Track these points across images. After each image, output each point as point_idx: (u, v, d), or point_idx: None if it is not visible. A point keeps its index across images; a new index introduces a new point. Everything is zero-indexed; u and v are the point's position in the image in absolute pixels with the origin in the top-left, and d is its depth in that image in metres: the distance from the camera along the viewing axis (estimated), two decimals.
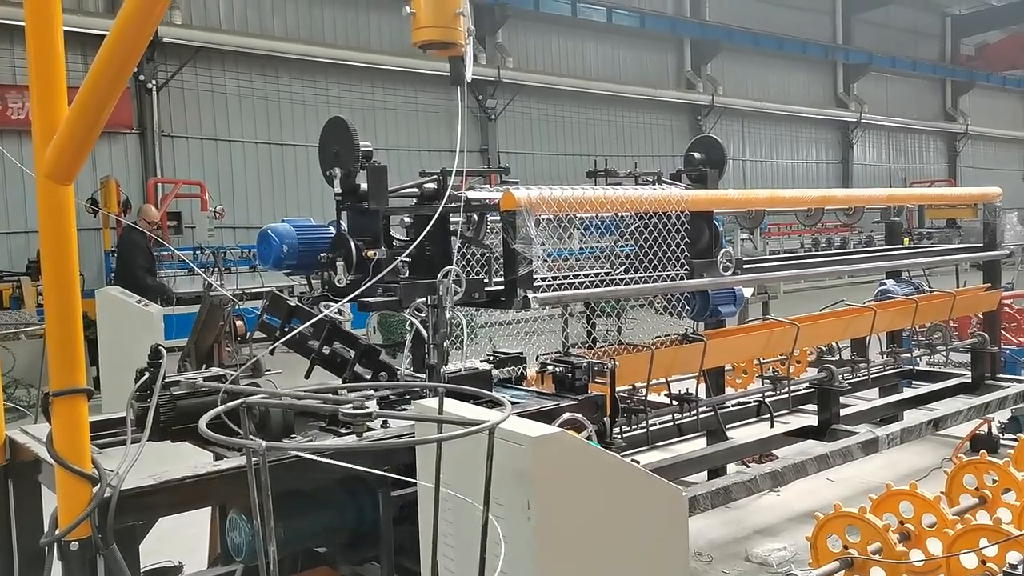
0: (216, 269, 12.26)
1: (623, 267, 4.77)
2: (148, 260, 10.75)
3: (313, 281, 4.37)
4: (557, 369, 3.86)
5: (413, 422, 3.02)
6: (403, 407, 3.59)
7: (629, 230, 4.87)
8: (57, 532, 2.55)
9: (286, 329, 3.93)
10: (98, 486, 2.60)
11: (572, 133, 23.06)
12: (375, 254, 3.90)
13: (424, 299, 3.35)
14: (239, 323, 11.70)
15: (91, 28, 13.93)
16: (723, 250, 5.09)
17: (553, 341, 4.70)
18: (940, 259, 6.56)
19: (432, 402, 2.75)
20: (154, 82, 16.06)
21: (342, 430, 3.44)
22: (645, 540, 2.59)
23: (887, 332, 6.60)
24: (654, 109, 25.21)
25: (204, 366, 9.36)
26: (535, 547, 2.33)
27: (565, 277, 4.32)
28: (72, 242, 2.58)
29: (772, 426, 5.61)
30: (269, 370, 11.76)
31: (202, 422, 2.00)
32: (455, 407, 2.65)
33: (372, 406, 2.00)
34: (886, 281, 7.18)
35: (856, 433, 5.27)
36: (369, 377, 3.82)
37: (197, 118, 16.97)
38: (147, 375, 3.19)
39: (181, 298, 10.82)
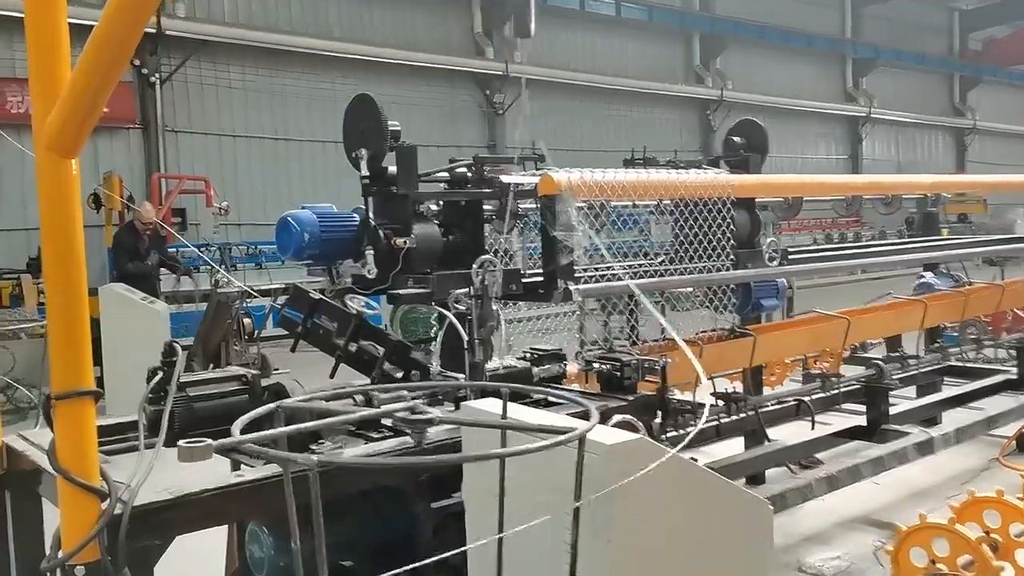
0: (223, 266, 11.95)
1: (662, 258, 4.46)
2: (134, 258, 10.42)
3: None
4: (605, 367, 3.54)
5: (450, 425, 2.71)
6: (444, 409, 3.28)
7: (659, 219, 4.56)
8: (61, 555, 2.24)
9: (308, 324, 3.62)
10: (107, 501, 2.29)
11: (580, 128, 22.72)
12: (405, 242, 3.59)
13: (466, 290, 3.02)
14: (247, 321, 11.45)
15: None
16: (768, 239, 4.78)
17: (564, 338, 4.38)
18: (993, 250, 6.23)
19: (482, 404, 2.45)
20: (157, 76, 15.75)
21: (373, 435, 3.13)
22: (728, 557, 2.28)
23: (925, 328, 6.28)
24: (663, 104, 24.89)
25: (212, 364, 9.06)
26: (611, 569, 2.02)
27: (597, 268, 4.01)
28: (77, 223, 2.26)
29: (813, 427, 5.29)
30: (277, 369, 11.49)
31: (236, 430, 1.68)
32: (510, 411, 2.34)
33: (433, 412, 1.69)
34: (924, 274, 6.87)
35: (909, 434, 4.95)
36: (400, 376, 3.50)
37: (201, 112, 16.67)
38: (160, 375, 2.87)
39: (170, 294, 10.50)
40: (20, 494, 3.14)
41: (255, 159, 17.29)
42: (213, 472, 2.83)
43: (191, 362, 7.24)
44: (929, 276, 6.82)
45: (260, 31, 16.96)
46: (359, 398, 3.12)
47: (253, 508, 2.58)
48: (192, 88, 16.52)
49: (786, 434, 5.31)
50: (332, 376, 3.64)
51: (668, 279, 4.00)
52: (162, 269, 11.05)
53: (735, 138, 5.06)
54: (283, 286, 12.59)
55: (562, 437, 1.50)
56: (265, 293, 12.00)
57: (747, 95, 26.15)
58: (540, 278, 3.84)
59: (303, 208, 3.84)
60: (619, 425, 3.33)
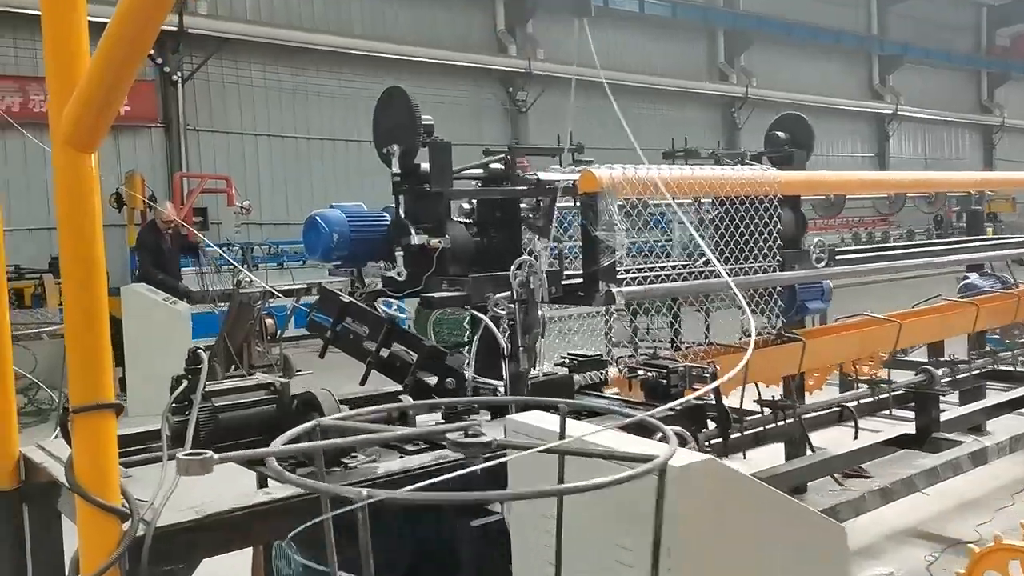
0: (244, 266, 11.83)
1: (703, 259, 4.26)
2: (156, 258, 10.31)
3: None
4: (650, 374, 3.35)
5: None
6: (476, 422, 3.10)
7: (709, 217, 4.36)
8: None
9: (338, 329, 3.45)
10: (128, 522, 2.13)
11: (603, 126, 22.44)
12: (439, 243, 3.42)
13: (507, 294, 2.83)
14: (269, 322, 11.33)
15: None
16: (816, 239, 4.57)
17: (584, 341, 4.20)
18: None
19: (530, 419, 2.26)
20: (179, 74, 15.68)
21: (408, 446, 2.96)
22: None
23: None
24: (686, 102, 24.60)
25: (234, 366, 8.92)
26: None
27: (640, 270, 3.82)
28: (96, 221, 2.10)
29: (856, 435, 5.06)
30: (299, 370, 11.37)
31: (272, 455, 1.51)
32: (549, 422, 2.15)
33: (490, 432, 1.51)
34: (969, 275, 6.63)
35: (961, 442, 4.72)
36: (434, 384, 3.33)
37: (223, 111, 16.59)
38: (185, 383, 2.71)
39: (195, 296, 10.39)
40: (38, 509, 2.98)
41: (277, 158, 17.20)
42: (238, 488, 2.68)
43: (212, 363, 7.09)
44: (974, 277, 6.57)
45: (282, 28, 16.85)
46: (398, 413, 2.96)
47: (284, 528, 2.40)
48: (214, 86, 16.45)
49: (825, 441, 5.09)
50: (363, 383, 3.48)
51: (712, 281, 3.80)
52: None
53: (779, 133, 4.85)
54: (305, 286, 12.55)
55: (642, 468, 1.32)
56: (288, 293, 11.97)
57: (772, 92, 25.79)
58: (579, 280, 3.65)
59: (332, 207, 3.68)
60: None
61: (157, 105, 15.62)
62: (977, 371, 5.62)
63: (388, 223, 3.67)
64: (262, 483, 2.79)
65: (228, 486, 2.79)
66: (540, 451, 1.42)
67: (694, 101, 24.80)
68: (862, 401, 4.83)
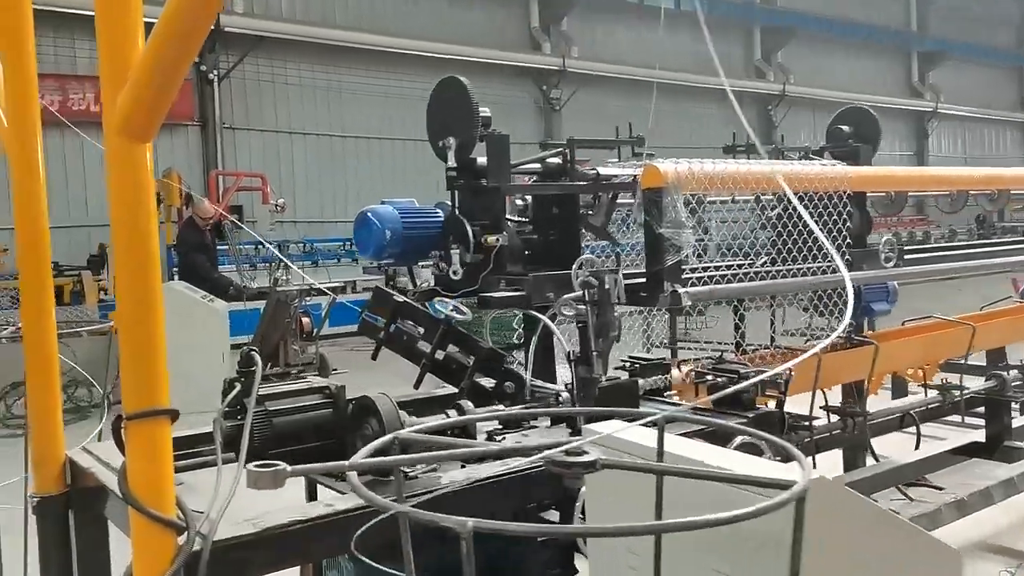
0: (281, 265, 11.78)
1: (763, 259, 4.08)
2: (209, 255, 10.27)
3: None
4: (719, 379, 3.17)
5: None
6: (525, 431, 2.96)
7: (769, 215, 4.17)
8: None
9: (391, 329, 3.31)
10: (184, 536, 2.00)
11: (637, 125, 22.19)
12: (497, 240, 3.26)
13: (576, 294, 2.66)
14: (305, 320, 11.25)
15: None
16: (884, 237, 4.37)
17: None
18: None
19: (608, 429, 2.09)
20: (215, 72, 15.70)
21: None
22: None
23: None
24: (724, 99, 24.25)
25: (269, 365, 8.83)
26: None
27: (705, 269, 3.64)
28: (152, 216, 1.97)
29: (918, 444, 4.84)
30: (335, 369, 11.27)
31: (352, 469, 1.36)
32: (640, 436, 1.99)
33: (592, 452, 1.35)
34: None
35: None
36: (492, 388, 3.18)
37: (259, 109, 16.59)
38: (238, 387, 2.57)
39: (250, 293, 10.32)
40: (85, 515, 2.87)
41: (311, 156, 17.18)
42: (288, 498, 2.55)
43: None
44: None
45: (317, 27, 16.84)
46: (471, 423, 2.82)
47: (343, 542, 2.26)
48: (250, 85, 16.46)
49: (884, 448, 4.87)
50: (417, 386, 3.34)
51: (782, 282, 3.62)
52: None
53: (842, 127, 4.64)
54: (342, 284, 12.46)
55: (780, 498, 1.15)
56: (321, 293, 11.89)
57: (810, 90, 25.44)
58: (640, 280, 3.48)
59: (383, 203, 3.55)
60: (741, 447, 2.98)
61: (193, 103, 15.65)
62: None
63: (441, 220, 3.53)
64: (311, 497, 2.67)
65: (275, 496, 2.67)
66: (655, 473, 1.26)
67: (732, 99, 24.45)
68: (930, 407, 4.61)
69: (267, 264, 13.02)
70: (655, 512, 1.60)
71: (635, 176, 3.81)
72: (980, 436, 4.87)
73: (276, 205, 14.02)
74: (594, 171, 3.64)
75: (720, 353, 3.57)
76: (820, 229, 3.93)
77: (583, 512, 2.59)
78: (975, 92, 31.72)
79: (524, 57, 20.03)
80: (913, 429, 4.62)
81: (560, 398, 3.06)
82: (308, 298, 11.67)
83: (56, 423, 2.82)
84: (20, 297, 2.86)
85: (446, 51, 18.38)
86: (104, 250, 13.11)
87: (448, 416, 2.82)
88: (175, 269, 12.11)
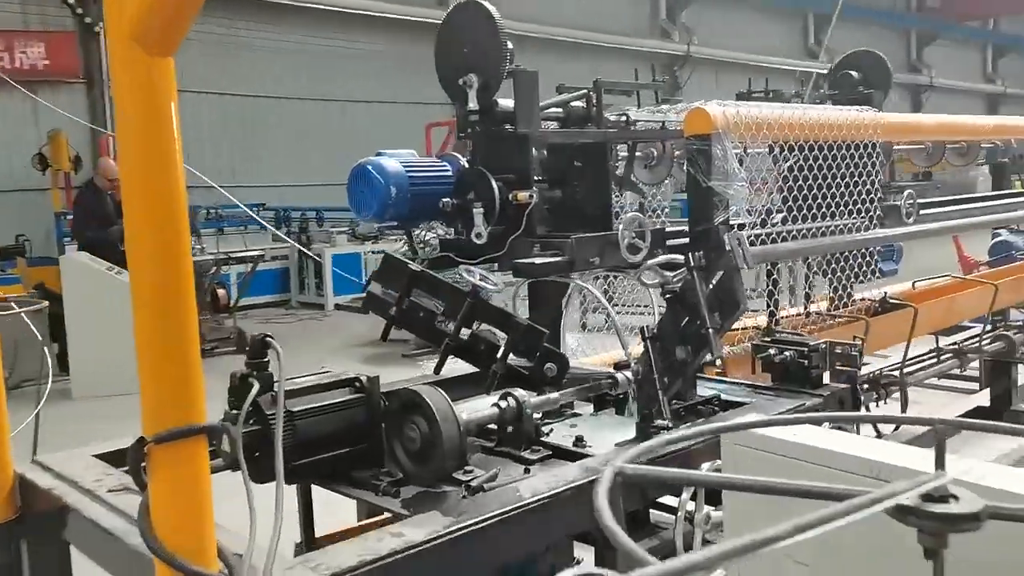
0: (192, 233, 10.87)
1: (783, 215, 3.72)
2: (102, 222, 9.26)
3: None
4: (788, 354, 2.78)
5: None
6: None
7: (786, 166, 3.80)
8: None
9: (404, 305, 2.79)
10: None
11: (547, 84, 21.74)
12: (531, 196, 2.77)
13: (663, 259, 2.19)
14: (221, 292, 10.42)
15: None
16: (906, 191, 4.07)
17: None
18: None
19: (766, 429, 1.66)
20: (102, 25, 14.38)
21: (526, 454, 2.35)
22: None
23: None
24: (625, 60, 24.01)
25: None
26: None
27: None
28: (179, 158, 1.41)
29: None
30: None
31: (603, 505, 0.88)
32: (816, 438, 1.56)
33: (960, 493, 0.91)
34: (1000, 232, 6.27)
35: None
36: (529, 371, 2.70)
37: None
38: (256, 387, 2.02)
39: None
40: (41, 543, 2.30)
41: (214, 117, 16.03)
42: (342, 521, 2.03)
43: None
44: (1005, 234, 6.22)
45: None
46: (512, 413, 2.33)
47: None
48: None
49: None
50: (438, 371, 2.83)
51: (835, 239, 3.25)
52: None
53: (851, 73, 4.31)
54: (260, 253, 11.64)
55: None
56: (242, 260, 11.08)
57: (714, 51, 25.50)
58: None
59: (380, 154, 2.99)
60: None
61: (79, 59, 14.32)
62: None
63: (450, 174, 3.01)
64: (367, 511, 2.16)
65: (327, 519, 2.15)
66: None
67: (635, 59, 24.24)
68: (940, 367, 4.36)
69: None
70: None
71: (663, 123, 3.40)
72: (983, 400, 4.70)
73: None
74: (623, 116, 3.18)
75: (776, 321, 3.18)
76: (852, 183, 3.59)
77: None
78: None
79: (422, 11, 19.15)
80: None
81: (615, 382, 2.62)
82: (224, 269, 10.87)
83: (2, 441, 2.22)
84: None
85: (345, 4, 17.35)
86: None
87: (501, 408, 2.34)
88: (67, 240, 11.06)
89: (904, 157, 5.69)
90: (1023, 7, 34.58)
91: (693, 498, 2.11)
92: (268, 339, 2.09)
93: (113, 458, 2.36)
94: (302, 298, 14.13)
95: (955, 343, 4.31)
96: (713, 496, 2.30)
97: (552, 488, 2.01)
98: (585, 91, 3.15)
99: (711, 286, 2.03)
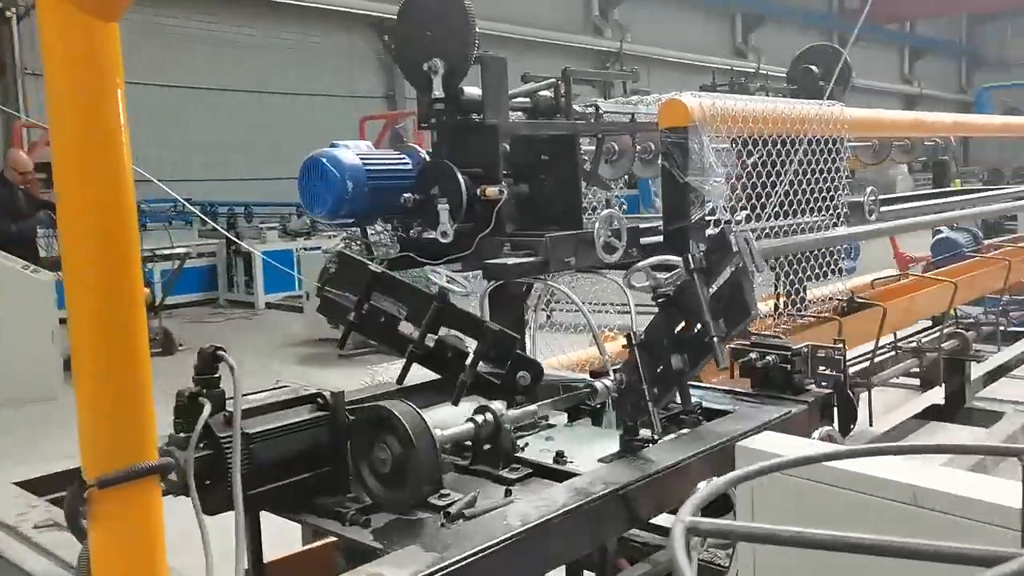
0: None
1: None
2: (15, 217, 8.75)
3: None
4: (769, 359, 2.64)
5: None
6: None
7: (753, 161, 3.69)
8: None
9: (364, 310, 2.56)
10: None
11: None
12: (501, 192, 2.57)
13: (688, 258, 1.98)
14: (145, 290, 9.91)
15: None
16: (868, 188, 4.00)
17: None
18: None
19: (777, 445, 1.51)
20: (13, 10, 13.66)
21: (508, 474, 2.15)
22: None
23: None
24: (556, 56, 23.94)
25: None
26: None
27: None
28: (124, 149, 1.18)
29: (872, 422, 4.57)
30: (182, 345, 10.09)
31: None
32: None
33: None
34: (943, 229, 6.30)
35: (1003, 413, 4.31)
36: (501, 381, 2.50)
37: None
38: (208, 406, 1.77)
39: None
40: None
41: (140, 108, 15.32)
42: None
43: None
44: (947, 231, 6.26)
45: None
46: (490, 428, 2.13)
47: None
48: None
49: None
50: (401, 380, 2.61)
51: (808, 237, 3.14)
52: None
53: (811, 67, 4.22)
54: (187, 250, 11.17)
55: None
56: (167, 257, 10.60)
57: (646, 48, 25.64)
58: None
59: (334, 146, 2.76)
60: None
61: None
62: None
63: (410, 168, 2.79)
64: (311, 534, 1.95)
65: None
66: None
67: (567, 55, 24.19)
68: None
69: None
70: None
71: (632, 115, 3.24)
72: (937, 397, 4.68)
73: None
74: (593, 107, 3.01)
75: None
76: (821, 179, 3.49)
77: None
78: (792, 53, 33.15)
79: (361, 4, 18.78)
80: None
81: (594, 390, 2.44)
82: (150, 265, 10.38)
83: None
84: None
85: None
86: None
87: (478, 423, 2.13)
88: None
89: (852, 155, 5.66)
90: (939, 10, 35.81)
91: None
92: (220, 352, 1.85)
93: (38, 486, 2.09)
94: (231, 296, 13.64)
95: (913, 342, 4.26)
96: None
97: (543, 515, 1.82)
98: (554, 80, 2.97)
99: (714, 289, 1.86)
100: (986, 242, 6.22)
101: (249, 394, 2.01)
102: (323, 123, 16.40)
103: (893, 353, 4.45)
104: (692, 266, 1.87)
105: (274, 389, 2.09)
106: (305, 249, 12.50)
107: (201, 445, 1.83)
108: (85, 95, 1.12)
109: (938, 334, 4.22)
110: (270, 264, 12.72)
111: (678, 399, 2.32)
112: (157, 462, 1.21)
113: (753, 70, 30.70)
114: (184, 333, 10.19)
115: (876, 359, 4.10)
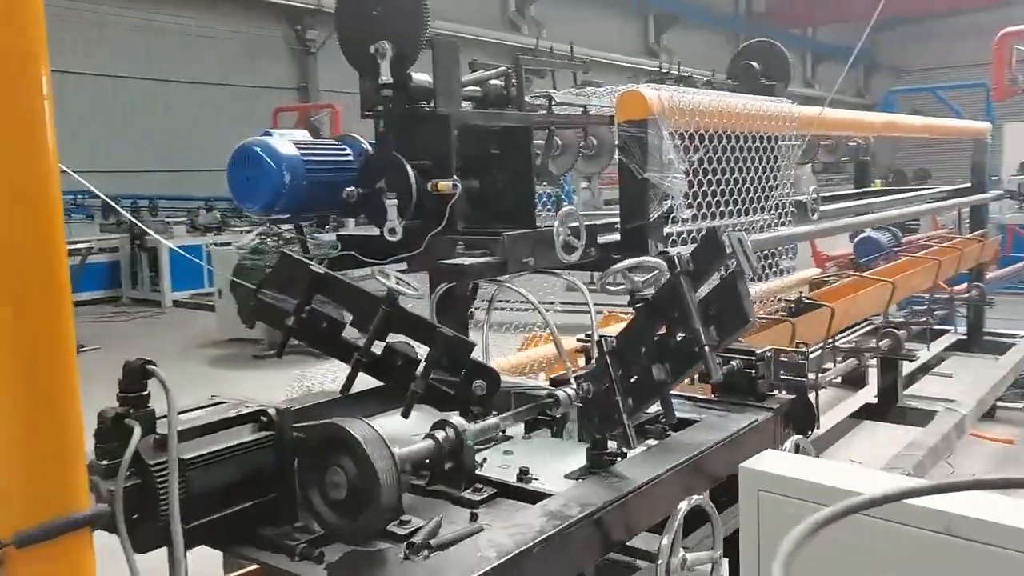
0: None
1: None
2: None
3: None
4: (733, 363, 2.53)
5: None
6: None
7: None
8: None
9: (304, 314, 2.33)
10: None
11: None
12: (454, 186, 2.39)
13: (640, 260, 1.84)
14: None
15: None
16: (811, 187, 3.95)
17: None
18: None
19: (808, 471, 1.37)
20: None
21: (468, 494, 1.97)
22: None
23: None
24: (473, 52, 23.66)
25: None
26: None
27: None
28: (50, 137, 0.96)
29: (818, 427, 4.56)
30: (83, 346, 9.55)
31: None
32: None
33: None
34: (865, 229, 6.38)
35: (935, 411, 4.33)
36: (456, 390, 2.31)
37: None
38: (137, 427, 1.54)
39: None
40: None
41: None
42: None
43: None
44: (870, 231, 6.33)
45: None
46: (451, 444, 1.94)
47: None
48: None
49: None
50: (346, 391, 2.39)
51: (767, 235, 3.05)
52: None
53: (753, 64, 4.16)
54: (89, 244, 10.58)
55: None
56: (68, 252, 10.00)
57: (564, 46, 25.62)
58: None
59: (267, 134, 2.52)
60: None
61: None
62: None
63: (351, 159, 2.58)
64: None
65: None
66: None
67: (483, 51, 24.03)
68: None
69: None
70: None
71: (584, 107, 3.09)
72: (869, 397, 4.70)
73: None
74: (546, 98, 2.84)
75: None
76: (769, 176, 3.42)
77: None
78: (701, 54, 33.78)
79: None
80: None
81: (557, 400, 2.27)
82: None
83: None
84: None
85: None
86: None
87: (439, 440, 1.94)
88: None
89: None
90: (840, 16, 36.93)
91: None
92: (149, 366, 1.62)
93: None
94: (135, 294, 13.00)
95: (850, 342, 4.25)
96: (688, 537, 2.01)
97: (520, 543, 1.65)
98: (505, 69, 2.79)
99: (704, 295, 1.72)
100: (903, 240, 6.32)
101: (182, 412, 1.78)
102: (238, 113, 15.85)
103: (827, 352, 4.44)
104: (679, 268, 1.72)
105: (210, 406, 1.86)
106: (216, 244, 12.01)
107: (127, 473, 1.59)
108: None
109: (872, 334, 4.23)
110: (178, 259, 12.14)
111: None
112: (90, 511, 0.99)
113: (667, 69, 31.30)
114: (85, 332, 9.63)
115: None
